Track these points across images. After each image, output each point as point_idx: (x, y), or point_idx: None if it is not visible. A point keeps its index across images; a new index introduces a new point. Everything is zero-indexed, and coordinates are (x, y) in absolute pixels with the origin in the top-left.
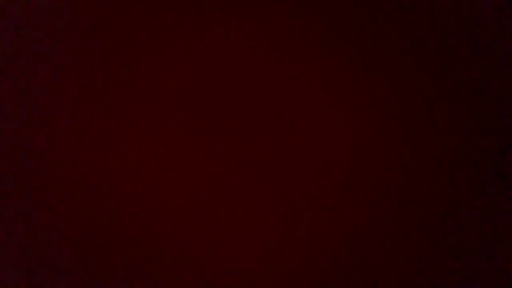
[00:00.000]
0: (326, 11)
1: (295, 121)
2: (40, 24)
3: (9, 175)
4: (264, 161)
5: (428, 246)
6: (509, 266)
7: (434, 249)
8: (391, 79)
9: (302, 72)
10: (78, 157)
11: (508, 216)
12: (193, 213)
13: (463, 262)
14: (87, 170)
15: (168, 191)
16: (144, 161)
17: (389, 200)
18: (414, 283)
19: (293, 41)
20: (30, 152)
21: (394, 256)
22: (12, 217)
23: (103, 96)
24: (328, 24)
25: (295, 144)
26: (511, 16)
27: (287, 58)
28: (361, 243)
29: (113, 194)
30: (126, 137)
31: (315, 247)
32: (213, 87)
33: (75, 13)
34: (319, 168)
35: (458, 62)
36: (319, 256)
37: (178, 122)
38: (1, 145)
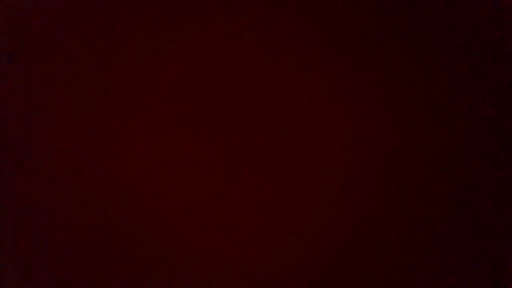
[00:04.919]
0: (326, 11)
1: (295, 122)
2: (40, 24)
3: (9, 175)
4: (264, 161)
5: (429, 246)
6: (509, 266)
7: (434, 249)
8: (391, 79)
9: (302, 72)
10: (78, 157)
11: (508, 216)
12: (193, 214)
13: (463, 262)
14: (86, 171)
15: (168, 192)
16: (145, 161)
17: (389, 200)
18: (414, 283)
19: (293, 42)
20: (30, 153)
21: (394, 256)
22: (12, 217)
23: (102, 97)
24: (328, 25)
25: (294, 144)
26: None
27: (287, 58)
28: (362, 243)
29: (113, 194)
30: (126, 137)
31: (315, 247)
32: (214, 87)
33: (74, 13)
34: (319, 169)
35: (458, 63)
36: (319, 256)
37: (179, 124)
38: (1, 145)
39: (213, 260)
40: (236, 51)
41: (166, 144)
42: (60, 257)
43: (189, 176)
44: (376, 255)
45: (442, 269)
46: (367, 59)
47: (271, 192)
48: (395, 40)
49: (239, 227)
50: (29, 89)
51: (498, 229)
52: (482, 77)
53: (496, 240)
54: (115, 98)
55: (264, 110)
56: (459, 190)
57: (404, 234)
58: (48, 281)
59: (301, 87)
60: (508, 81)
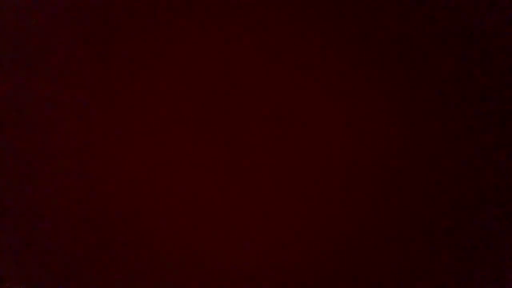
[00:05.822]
0: (326, 11)
1: (295, 122)
2: (40, 24)
3: (10, 175)
4: (264, 161)
5: (429, 246)
6: (509, 266)
7: (434, 249)
8: (391, 79)
9: (302, 72)
10: (79, 158)
11: (508, 216)
12: (193, 214)
13: (463, 262)
14: (87, 170)
15: (168, 192)
16: (145, 161)
17: (389, 200)
18: (414, 283)
19: (293, 42)
20: (31, 153)
21: (394, 255)
22: (12, 217)
23: (102, 97)
24: (328, 25)
25: (294, 144)
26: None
27: (287, 58)
28: (362, 243)
29: (113, 195)
30: (126, 137)
31: (315, 247)
32: (214, 87)
33: (75, 13)
34: (319, 169)
35: (459, 63)
36: (319, 256)
37: (179, 124)
38: (1, 145)
39: (213, 260)
40: (236, 51)
41: (166, 144)
42: (60, 256)
43: (189, 176)
44: (376, 255)
45: (442, 269)
46: (367, 59)
47: (271, 192)
48: (395, 40)
49: (239, 227)
50: (30, 89)
51: (498, 229)
52: (482, 77)
53: (496, 240)
54: (115, 98)
55: (264, 110)
56: (459, 190)
57: (404, 234)
58: (48, 280)
59: (301, 87)
60: (508, 80)
